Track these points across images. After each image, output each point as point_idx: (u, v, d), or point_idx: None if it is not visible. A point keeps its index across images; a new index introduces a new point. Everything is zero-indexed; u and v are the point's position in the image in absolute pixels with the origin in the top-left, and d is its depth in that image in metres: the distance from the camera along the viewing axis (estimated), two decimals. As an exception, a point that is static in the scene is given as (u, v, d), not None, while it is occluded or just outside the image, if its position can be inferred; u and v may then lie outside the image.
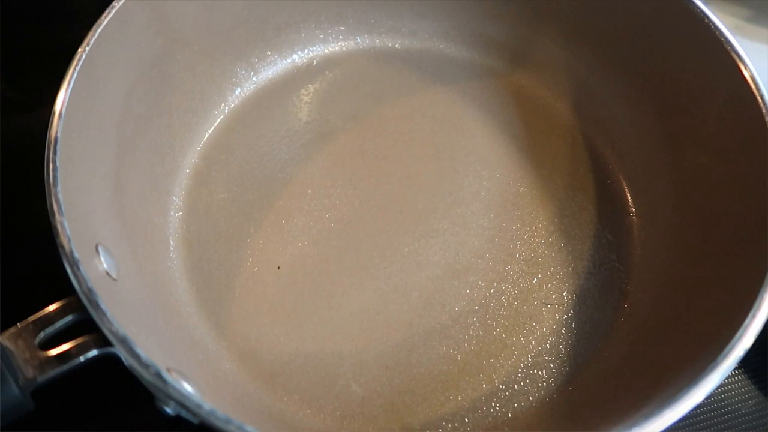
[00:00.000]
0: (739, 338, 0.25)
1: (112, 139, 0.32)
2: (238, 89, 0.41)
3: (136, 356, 0.22)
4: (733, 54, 0.32)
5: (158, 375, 0.22)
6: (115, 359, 0.24)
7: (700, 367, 0.24)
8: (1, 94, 0.45)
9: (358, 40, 0.43)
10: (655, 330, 0.32)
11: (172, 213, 0.36)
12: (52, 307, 0.25)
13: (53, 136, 0.27)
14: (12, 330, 0.24)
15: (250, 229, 0.36)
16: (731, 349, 0.25)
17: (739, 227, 0.31)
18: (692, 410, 0.23)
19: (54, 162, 0.26)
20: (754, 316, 0.25)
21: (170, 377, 0.22)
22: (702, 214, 0.33)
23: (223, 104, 0.40)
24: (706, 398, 0.23)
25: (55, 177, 0.26)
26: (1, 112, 0.43)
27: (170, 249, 0.35)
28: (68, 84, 0.28)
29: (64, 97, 0.28)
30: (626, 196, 0.38)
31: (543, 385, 0.32)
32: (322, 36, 0.43)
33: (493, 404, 0.31)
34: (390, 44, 0.43)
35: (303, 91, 0.41)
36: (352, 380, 0.32)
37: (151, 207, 0.35)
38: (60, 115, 0.27)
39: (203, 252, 0.35)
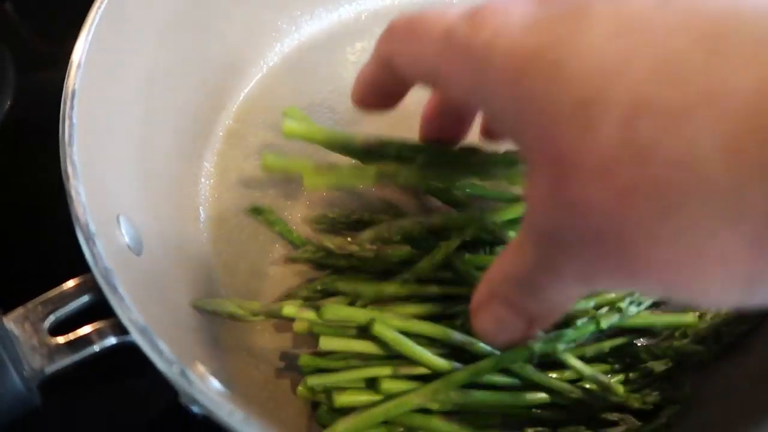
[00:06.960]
0: None
1: (139, 95, 0.29)
2: (279, 45, 0.37)
3: (158, 350, 0.19)
4: None
5: (183, 373, 0.19)
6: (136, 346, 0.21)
7: None
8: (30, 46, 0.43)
9: (412, -7, 0.39)
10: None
11: (203, 180, 0.33)
12: (65, 286, 0.22)
13: (70, 89, 0.24)
14: (18, 311, 0.21)
15: (287, 200, 0.32)
16: None
17: None
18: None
19: (71, 118, 0.23)
20: None
21: (195, 377, 0.19)
22: None
23: (261, 61, 0.37)
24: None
25: (71, 135, 0.23)
26: (28, 66, 0.40)
27: (200, 220, 0.32)
28: (89, 30, 0.25)
29: (84, 45, 0.25)
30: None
31: None
32: (372, -13, 0.39)
33: None
34: (448, -3, 0.39)
35: (349, 49, 0.38)
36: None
37: (180, 173, 0.32)
38: (79, 64, 0.24)
39: (236, 224, 0.32)
